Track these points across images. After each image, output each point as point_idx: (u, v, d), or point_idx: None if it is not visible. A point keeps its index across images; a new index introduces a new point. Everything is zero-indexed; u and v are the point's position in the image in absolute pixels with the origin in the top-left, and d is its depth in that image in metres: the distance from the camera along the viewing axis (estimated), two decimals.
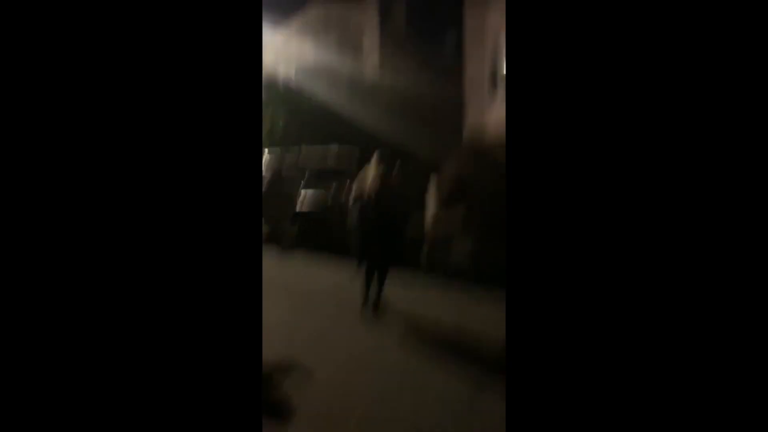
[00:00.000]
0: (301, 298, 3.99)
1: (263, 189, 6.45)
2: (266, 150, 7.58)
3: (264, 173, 7.23)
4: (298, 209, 6.54)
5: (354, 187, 3.63)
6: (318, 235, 6.33)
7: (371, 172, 3.51)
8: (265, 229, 7.05)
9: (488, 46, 7.68)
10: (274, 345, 2.75)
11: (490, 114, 7.81)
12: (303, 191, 6.67)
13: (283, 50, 11.60)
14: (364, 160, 6.28)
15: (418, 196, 6.94)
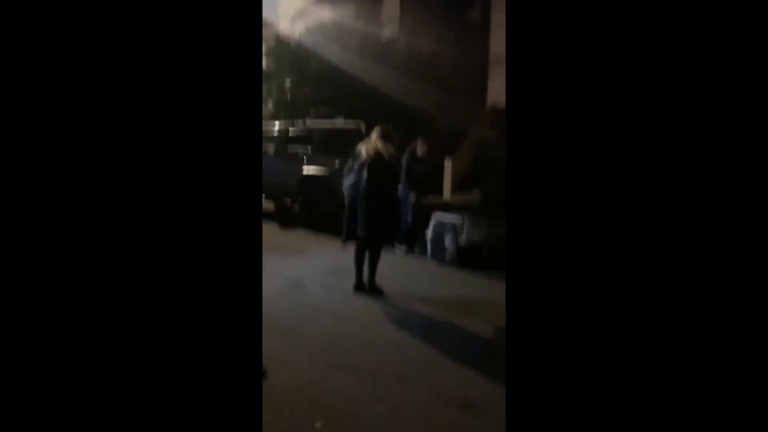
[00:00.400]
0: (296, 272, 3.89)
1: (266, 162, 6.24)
2: (276, 123, 7.26)
3: (266, 146, 6.95)
4: (304, 173, 6.29)
5: (349, 161, 3.50)
6: (321, 203, 6.06)
7: (368, 145, 3.39)
8: (267, 204, 6.84)
9: None
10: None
11: None
12: (306, 165, 6.36)
13: (299, 15, 11.07)
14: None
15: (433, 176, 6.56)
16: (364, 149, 3.39)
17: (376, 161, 3.29)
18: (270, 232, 5.94)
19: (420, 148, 5.25)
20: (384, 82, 7.29)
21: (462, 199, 7.01)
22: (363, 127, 5.96)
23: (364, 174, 3.28)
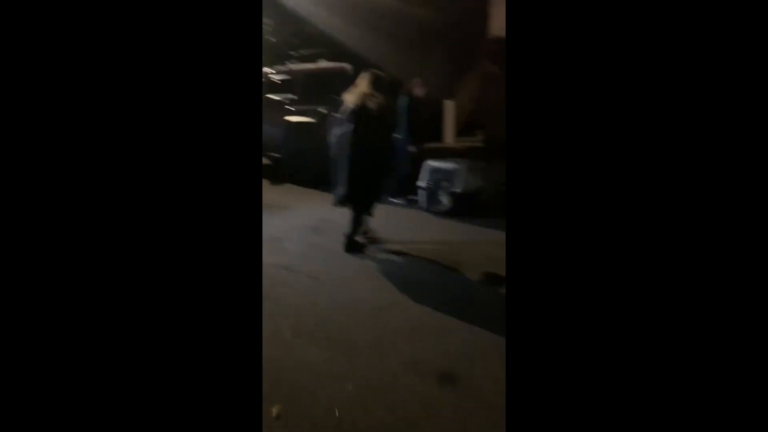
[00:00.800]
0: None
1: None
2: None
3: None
4: (288, 122, 5.83)
5: (337, 110, 3.21)
6: (306, 154, 5.65)
7: (354, 94, 3.09)
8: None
9: None
10: None
11: None
12: (289, 113, 5.88)
13: None
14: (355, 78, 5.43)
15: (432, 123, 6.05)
16: (350, 98, 3.09)
17: (362, 111, 2.99)
18: None
19: (417, 90, 4.73)
20: (371, 18, 6.57)
21: (465, 144, 6.54)
22: (350, 70, 5.42)
23: (350, 126, 2.99)
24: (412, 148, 4.65)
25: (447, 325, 2.13)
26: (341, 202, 3.11)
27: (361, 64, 5.57)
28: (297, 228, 3.79)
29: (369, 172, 3.04)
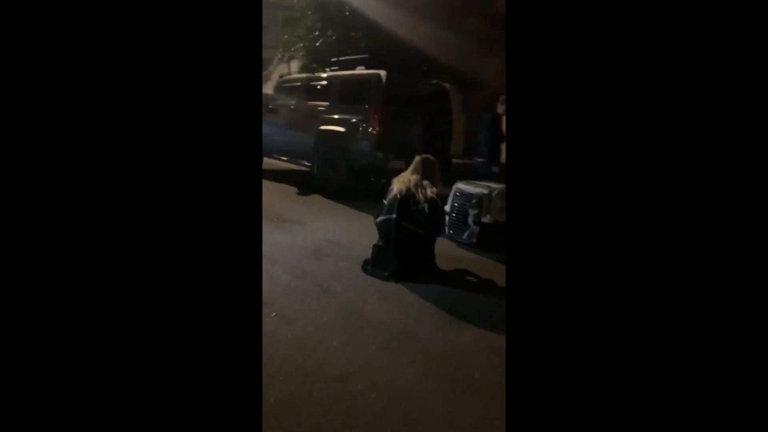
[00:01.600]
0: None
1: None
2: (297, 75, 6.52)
3: (288, 100, 6.29)
4: (321, 129, 5.60)
5: (387, 195, 3.09)
6: (336, 162, 5.40)
7: (400, 181, 3.03)
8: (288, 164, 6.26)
9: None
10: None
11: None
12: (323, 120, 5.61)
13: None
14: (391, 87, 5.00)
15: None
16: (396, 185, 3.01)
17: (405, 203, 2.92)
18: (281, 197, 5.39)
19: (501, 108, 4.11)
20: (413, 27, 6.09)
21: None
22: (384, 77, 5.03)
23: (393, 214, 2.93)
24: (495, 169, 4.13)
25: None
26: (386, 279, 2.91)
27: (396, 69, 5.18)
28: (297, 248, 3.43)
29: (410, 259, 2.94)
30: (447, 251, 3.50)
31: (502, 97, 4.06)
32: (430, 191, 2.97)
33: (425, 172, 3.05)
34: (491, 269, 3.22)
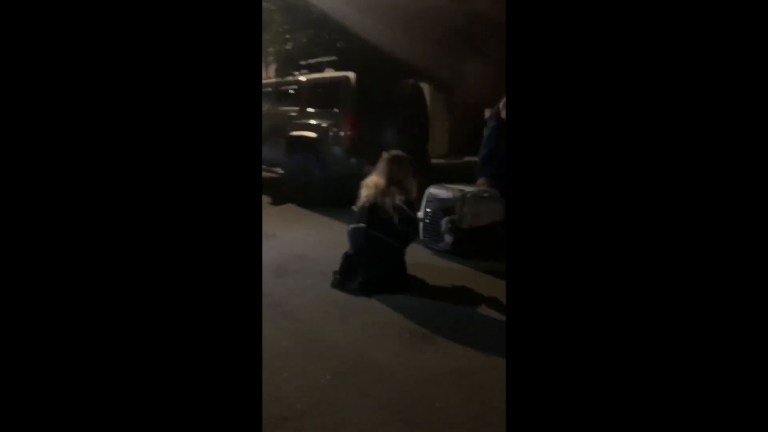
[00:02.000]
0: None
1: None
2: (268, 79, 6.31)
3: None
4: (291, 135, 5.40)
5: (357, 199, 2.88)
6: (308, 169, 5.21)
7: (368, 186, 2.82)
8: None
9: None
10: None
11: None
12: (294, 126, 5.41)
13: None
14: (361, 89, 4.82)
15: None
16: (364, 192, 2.81)
17: (373, 211, 2.74)
18: None
19: (504, 112, 3.76)
20: (389, 31, 5.91)
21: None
22: (353, 79, 4.85)
23: (361, 223, 2.77)
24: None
25: None
26: (354, 292, 2.74)
27: (369, 72, 5.00)
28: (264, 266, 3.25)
29: (379, 270, 2.76)
30: (422, 260, 3.34)
31: (503, 101, 3.83)
32: (398, 199, 2.75)
33: (393, 171, 2.81)
34: (466, 277, 3.07)
